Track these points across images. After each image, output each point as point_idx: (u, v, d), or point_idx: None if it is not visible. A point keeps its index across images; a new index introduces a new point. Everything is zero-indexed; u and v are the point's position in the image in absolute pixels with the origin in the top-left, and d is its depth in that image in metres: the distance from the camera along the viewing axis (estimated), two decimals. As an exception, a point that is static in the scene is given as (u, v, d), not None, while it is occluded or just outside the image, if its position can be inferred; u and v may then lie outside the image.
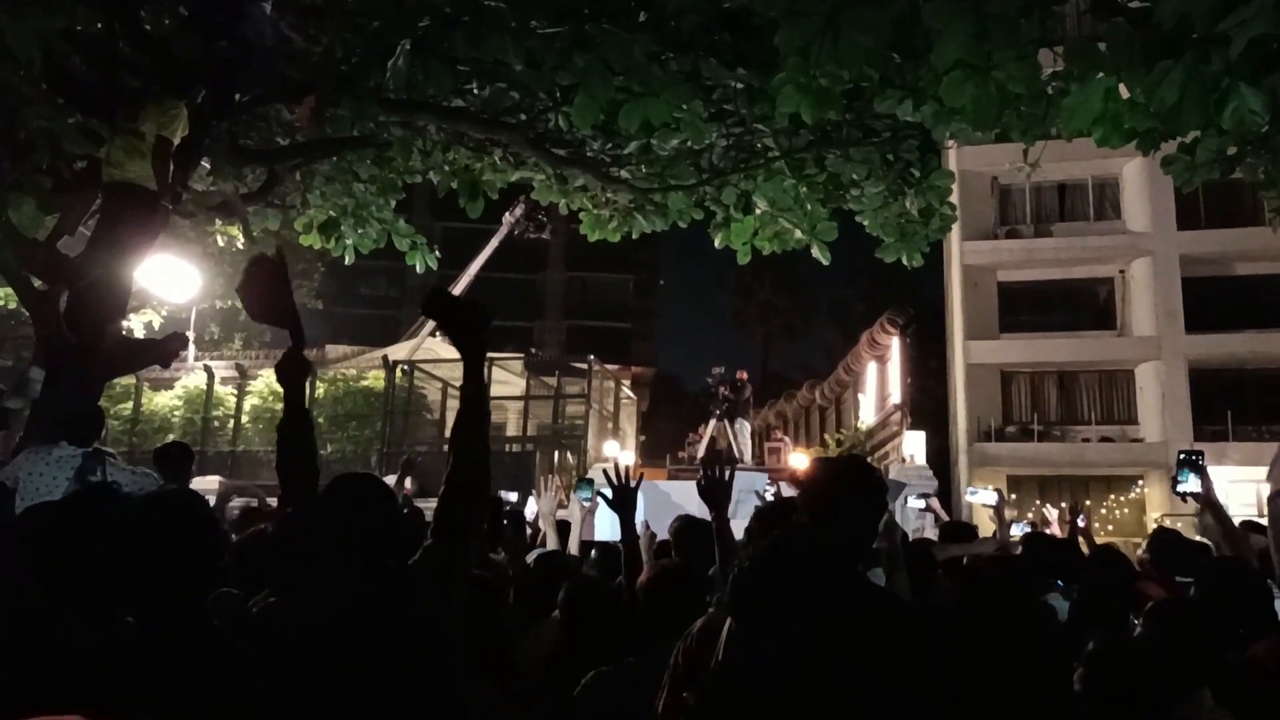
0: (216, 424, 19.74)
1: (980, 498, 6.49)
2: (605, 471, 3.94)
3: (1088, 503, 21.82)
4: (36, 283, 5.93)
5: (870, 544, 2.46)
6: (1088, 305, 25.94)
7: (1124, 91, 4.85)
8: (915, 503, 5.78)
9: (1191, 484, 4.39)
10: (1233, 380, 23.66)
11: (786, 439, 24.05)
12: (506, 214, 21.44)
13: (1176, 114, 4.28)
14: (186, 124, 6.03)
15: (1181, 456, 4.52)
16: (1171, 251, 24.00)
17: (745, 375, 19.57)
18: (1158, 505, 22.02)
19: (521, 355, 27.17)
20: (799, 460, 17.51)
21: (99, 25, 6.94)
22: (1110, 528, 21.17)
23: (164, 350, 6.52)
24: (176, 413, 19.71)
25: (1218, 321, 23.24)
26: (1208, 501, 4.35)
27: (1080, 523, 6.30)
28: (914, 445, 16.94)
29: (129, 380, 18.40)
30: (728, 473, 3.56)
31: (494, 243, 24.86)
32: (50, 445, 4.80)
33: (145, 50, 6.72)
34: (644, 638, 2.99)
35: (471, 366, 2.74)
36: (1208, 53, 4.26)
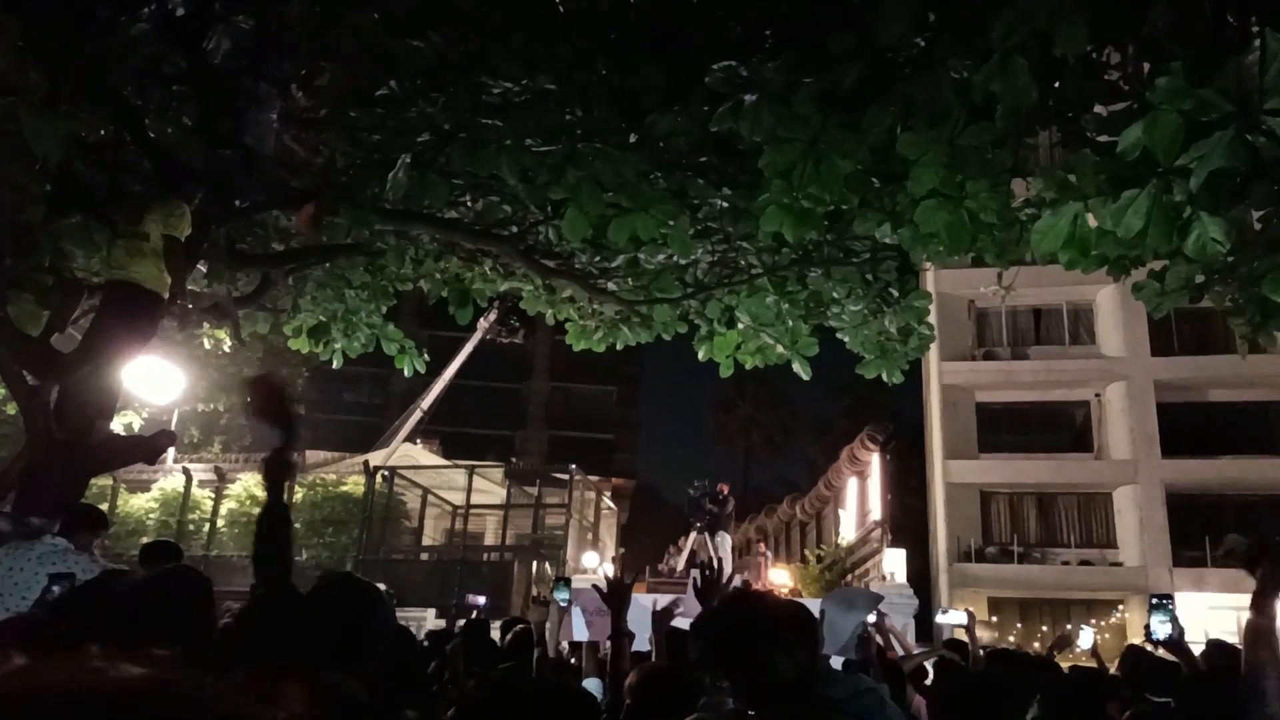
0: (192, 527, 19.50)
1: (950, 618, 6.62)
2: (604, 574, 4.02)
3: (1099, 622, 21.60)
4: (29, 378, 5.98)
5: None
6: (1065, 427, 26.23)
7: (1093, 220, 5.09)
8: (870, 618, 5.83)
9: (1161, 630, 4.41)
10: (1210, 506, 23.78)
11: (768, 553, 23.88)
12: (481, 319, 21.74)
13: (1142, 241, 4.49)
14: (190, 224, 6.19)
15: (1154, 601, 4.52)
16: (1146, 377, 24.43)
17: (727, 489, 19.53)
18: (1138, 630, 21.83)
19: (502, 464, 27.09)
20: (779, 575, 17.38)
21: (104, 130, 7.18)
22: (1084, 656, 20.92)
23: (151, 447, 6.55)
24: (152, 515, 19.48)
25: (1194, 447, 23.49)
26: (1178, 646, 4.39)
27: (1084, 644, 6.42)
28: (894, 563, 16.87)
29: (105, 481, 18.22)
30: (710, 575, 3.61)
31: (469, 347, 25.11)
32: (33, 541, 4.78)
33: (149, 155, 6.93)
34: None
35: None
36: (1170, 183, 4.50)
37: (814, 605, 3.22)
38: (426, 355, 10.44)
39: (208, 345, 13.71)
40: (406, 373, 10.31)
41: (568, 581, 5.52)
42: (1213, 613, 21.81)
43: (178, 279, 5.88)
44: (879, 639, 7.07)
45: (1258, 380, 23.26)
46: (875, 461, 20.84)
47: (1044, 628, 23.09)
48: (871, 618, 6.23)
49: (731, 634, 2.50)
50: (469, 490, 21.55)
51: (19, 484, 6.05)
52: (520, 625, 6.10)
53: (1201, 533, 23.09)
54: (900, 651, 6.68)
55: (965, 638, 6.20)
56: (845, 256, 8.07)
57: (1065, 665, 6.12)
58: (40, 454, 5.84)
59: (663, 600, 4.82)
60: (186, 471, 20.11)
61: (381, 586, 8.08)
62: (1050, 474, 25.21)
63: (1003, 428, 25.84)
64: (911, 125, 4.98)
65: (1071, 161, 5.38)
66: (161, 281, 5.92)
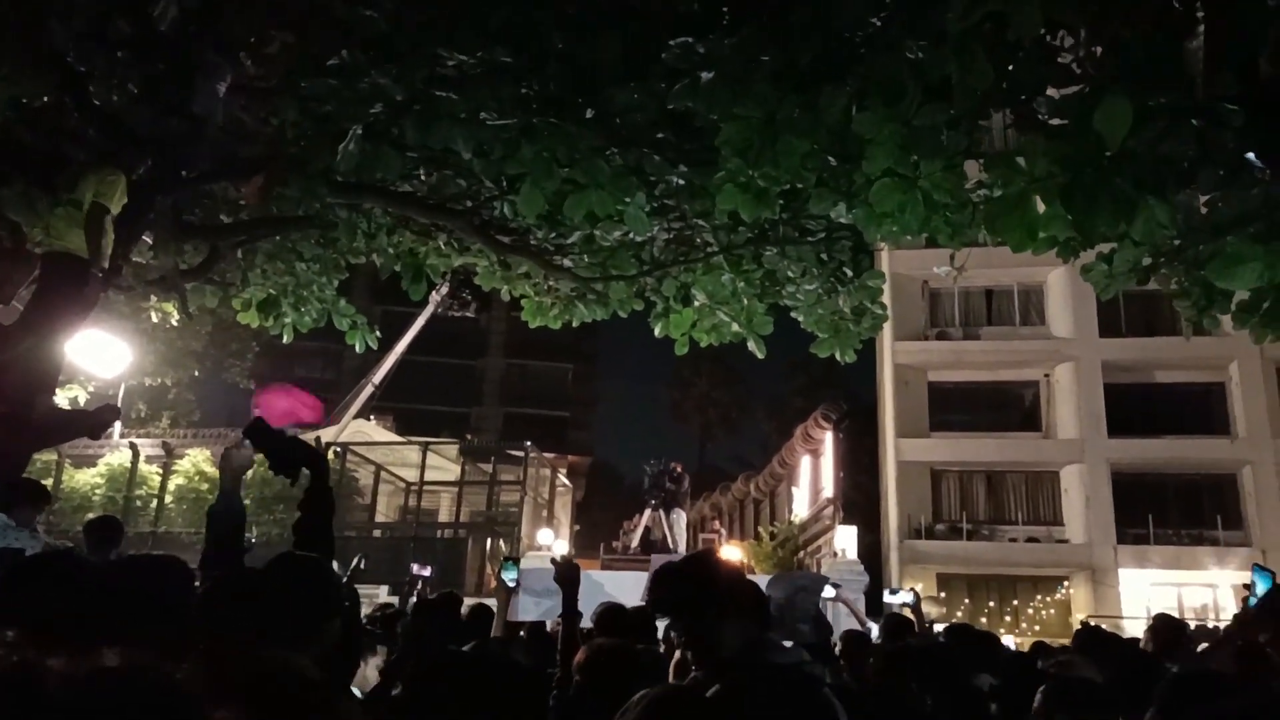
0: (139, 503, 19.19)
1: (899, 598, 6.79)
2: (554, 554, 4.04)
3: (1045, 598, 22.11)
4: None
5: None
6: (1014, 407, 26.64)
7: (1042, 203, 5.14)
8: (826, 592, 5.93)
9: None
10: (1154, 484, 24.33)
11: (722, 530, 24.06)
12: (433, 293, 21.59)
13: (1090, 224, 4.55)
14: (125, 193, 6.03)
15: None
16: (1094, 357, 24.87)
17: (680, 467, 19.62)
18: (1083, 606, 22.35)
19: (457, 441, 26.97)
20: (731, 553, 17.50)
21: (46, 96, 6.98)
22: (1036, 628, 21.37)
23: (95, 421, 6.41)
24: (98, 491, 19.14)
25: (1139, 427, 24.00)
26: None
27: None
28: (846, 540, 17.06)
29: (50, 456, 17.87)
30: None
31: (420, 321, 24.88)
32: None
33: (94, 122, 6.75)
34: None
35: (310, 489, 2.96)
36: (1119, 167, 4.55)
37: (764, 583, 3.24)
38: (378, 331, 10.33)
39: (155, 319, 13.45)
40: (358, 348, 10.20)
41: (516, 562, 5.53)
42: (1155, 589, 22.39)
43: (94, 248, 5.72)
44: (850, 606, 7.20)
45: (1201, 362, 23.79)
46: (828, 440, 21.04)
47: (991, 603, 23.54)
48: (830, 593, 6.33)
49: (687, 594, 2.54)
50: (423, 467, 21.43)
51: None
52: (478, 604, 6.08)
53: (1145, 510, 23.65)
54: (858, 625, 6.80)
55: (911, 616, 6.30)
56: (801, 236, 8.10)
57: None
58: (-21, 428, 5.70)
59: (620, 576, 4.85)
60: (133, 446, 19.78)
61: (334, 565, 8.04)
62: (999, 453, 25.63)
63: (954, 407, 26.20)
64: (868, 105, 4.99)
65: (1022, 144, 5.43)
66: (101, 251, 5.78)
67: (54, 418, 6.26)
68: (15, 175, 6.29)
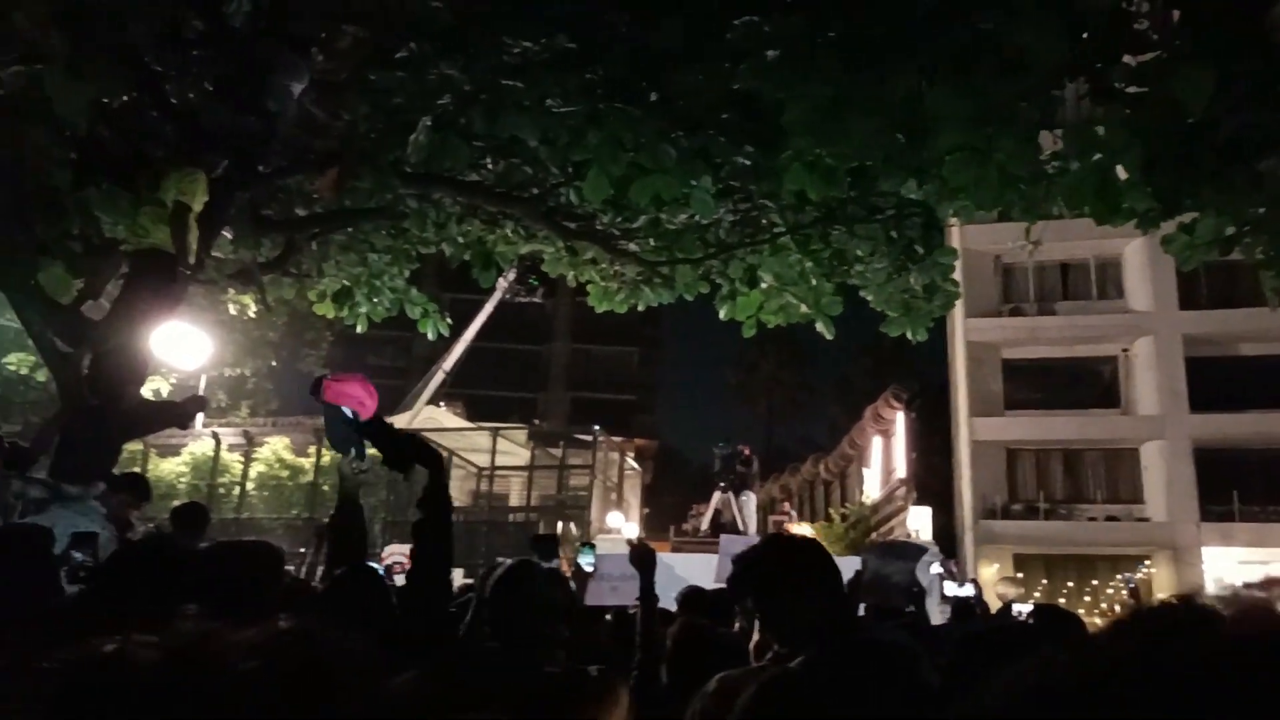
0: (222, 490, 19.75)
1: (964, 590, 6.75)
2: (628, 541, 4.09)
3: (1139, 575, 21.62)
4: (61, 345, 6.05)
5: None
6: (1092, 383, 26.01)
7: (1122, 172, 5.02)
8: (934, 568, 5.89)
9: None
10: (1238, 461, 23.59)
11: (792, 512, 23.96)
12: (500, 279, 21.80)
13: (1172, 194, 4.43)
14: (206, 191, 6.20)
15: None
16: (1174, 331, 24.16)
17: (749, 450, 19.57)
18: (1165, 585, 21.82)
19: (526, 426, 27.24)
20: (802, 533, 17.42)
21: (126, 96, 7.19)
22: (1117, 608, 20.92)
23: (182, 412, 6.63)
24: (182, 479, 19.74)
25: (1222, 402, 23.26)
26: None
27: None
28: (919, 521, 16.89)
29: (136, 446, 18.46)
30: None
31: (488, 308, 25.10)
32: (69, 503, 4.86)
33: (172, 121, 6.95)
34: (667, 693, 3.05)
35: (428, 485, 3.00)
36: (1201, 136, 4.43)
37: (843, 564, 3.23)
38: (449, 318, 10.48)
39: (233, 311, 13.81)
40: (430, 335, 10.36)
41: (592, 546, 5.57)
42: (1241, 567, 21.75)
43: (180, 245, 5.90)
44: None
45: (1288, 334, 22.99)
46: (899, 420, 20.82)
47: (1069, 584, 23.10)
48: (936, 569, 6.31)
49: (770, 571, 2.55)
50: (493, 452, 21.70)
51: (55, 450, 6.14)
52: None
53: (1229, 487, 22.96)
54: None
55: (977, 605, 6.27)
56: (869, 214, 8.00)
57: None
58: (74, 420, 5.93)
59: (690, 559, 4.90)
60: (215, 436, 20.36)
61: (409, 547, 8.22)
62: (1077, 430, 25.06)
63: (1029, 385, 25.66)
64: (938, 80, 4.91)
65: (1099, 114, 5.30)
66: (186, 248, 5.96)
67: (143, 409, 6.49)
68: (99, 174, 6.50)
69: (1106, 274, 26.06)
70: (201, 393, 22.33)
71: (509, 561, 3.05)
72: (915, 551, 4.99)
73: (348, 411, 3.49)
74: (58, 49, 4.88)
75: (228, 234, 7.57)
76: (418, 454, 3.07)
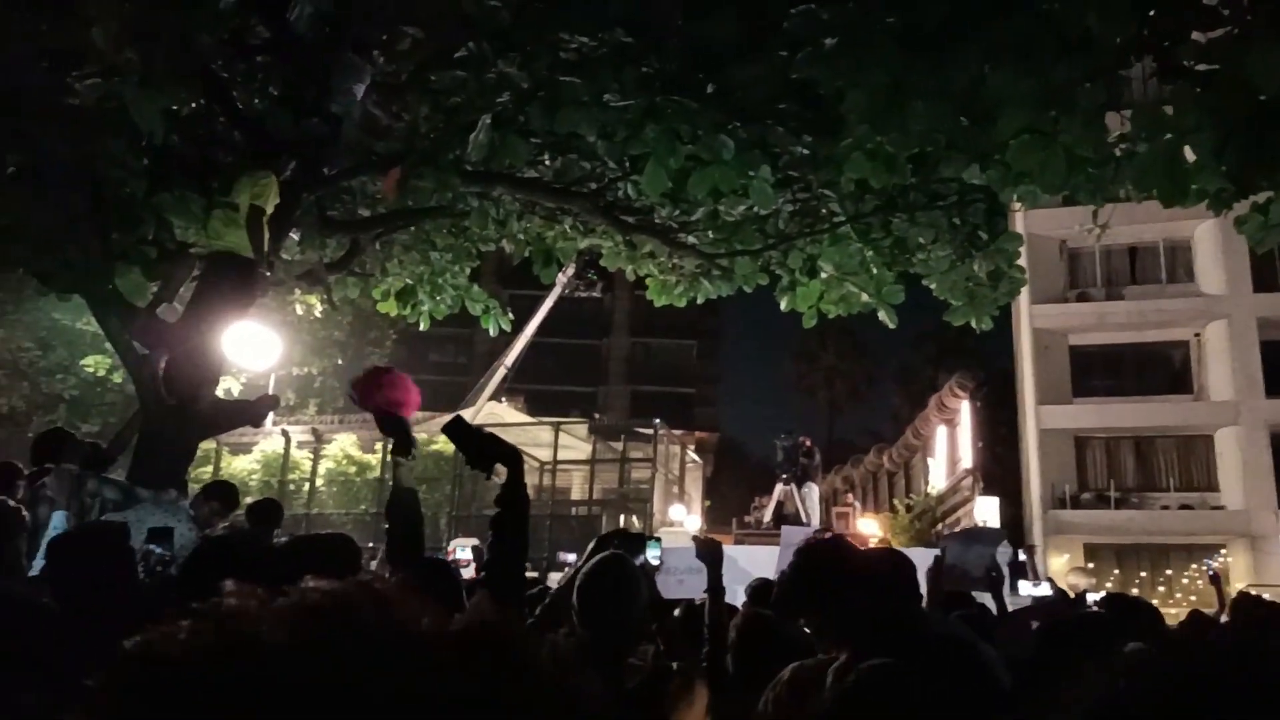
0: (292, 487, 20.19)
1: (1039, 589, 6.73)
2: (694, 536, 4.12)
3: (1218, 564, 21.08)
4: (139, 348, 6.25)
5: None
6: (1163, 369, 25.38)
7: (1190, 153, 4.90)
8: (1003, 554, 5.85)
9: None
10: (1318, 446, 22.89)
11: (855, 503, 23.79)
12: (560, 274, 21.96)
13: (1246, 174, 4.32)
14: (277, 193, 6.35)
15: None
16: (1248, 314, 23.46)
17: (810, 441, 19.49)
18: (1242, 575, 21.23)
19: (587, 420, 27.38)
20: (867, 525, 17.32)
21: (194, 104, 7.39)
22: (1192, 598, 20.44)
23: (256, 411, 6.80)
24: (254, 476, 20.22)
25: (1300, 385, 22.58)
26: None
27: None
28: (986, 512, 16.67)
29: (209, 445, 18.95)
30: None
31: (548, 303, 25.25)
32: (162, 503, 5.02)
33: (239, 127, 7.12)
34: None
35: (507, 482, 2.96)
36: (1275, 114, 4.31)
37: (913, 555, 3.22)
38: (510, 314, 10.59)
39: (300, 311, 14.11)
40: (492, 332, 10.48)
41: (657, 539, 5.59)
42: (1321, 557, 21.10)
43: (257, 247, 6.05)
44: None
45: (1369, 315, 22.21)
46: (965, 409, 20.55)
47: (1142, 574, 22.61)
48: (1005, 553, 6.26)
49: (823, 574, 2.56)
50: (555, 446, 21.86)
51: (134, 450, 6.35)
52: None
53: (1309, 474, 22.27)
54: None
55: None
56: (931, 201, 7.91)
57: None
58: (153, 420, 6.12)
59: (754, 551, 4.93)
60: (285, 434, 20.80)
61: (475, 541, 8.29)
62: (1148, 417, 24.47)
63: (1098, 371, 25.12)
64: (1001, 63, 4.84)
65: (1169, 93, 5.18)
66: (260, 250, 6.11)
67: (219, 408, 6.67)
68: (171, 181, 6.69)
69: (1176, 257, 25.38)
70: (271, 392, 22.87)
71: (603, 554, 3.10)
72: (994, 536, 4.95)
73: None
74: (132, 62, 5.04)
75: (295, 235, 7.74)
76: (498, 452, 3.14)
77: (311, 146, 6.85)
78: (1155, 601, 7.76)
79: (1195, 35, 5.13)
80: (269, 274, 6.53)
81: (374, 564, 6.54)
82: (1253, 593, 5.79)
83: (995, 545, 4.79)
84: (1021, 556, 6.03)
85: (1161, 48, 5.28)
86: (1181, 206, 5.39)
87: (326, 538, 3.01)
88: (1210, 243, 23.85)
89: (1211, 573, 6.37)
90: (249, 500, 13.19)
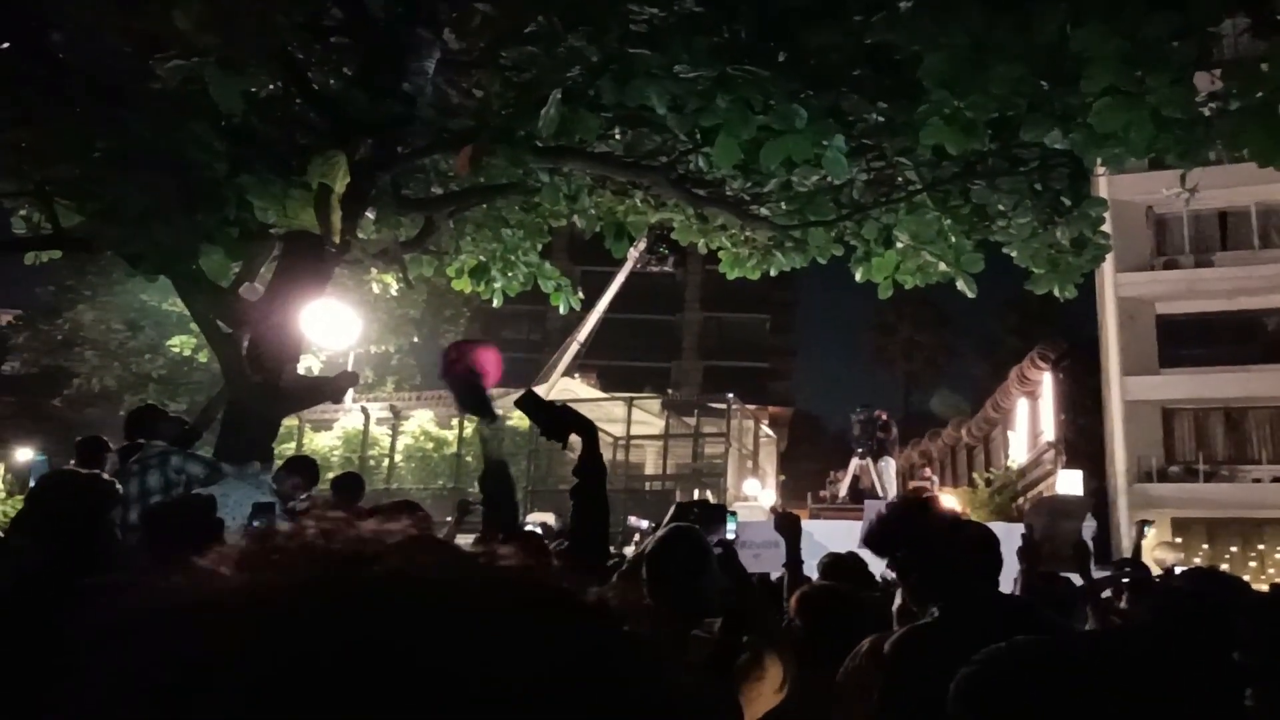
0: (372, 462, 20.63)
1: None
2: (772, 508, 4.10)
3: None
4: (223, 327, 6.42)
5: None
6: (1256, 338, 24.45)
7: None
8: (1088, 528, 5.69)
9: None
10: None
11: (934, 477, 23.45)
12: (631, 249, 21.95)
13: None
14: (347, 172, 6.44)
15: None
16: (1347, 279, 22.48)
17: (887, 415, 19.26)
18: (1341, 550, 20.49)
19: (659, 396, 27.43)
20: (946, 500, 17.06)
21: (272, 85, 7.53)
22: (1288, 574, 19.77)
23: (336, 387, 6.95)
24: (335, 452, 20.70)
25: (1403, 352, 21.57)
26: None
27: None
28: (1070, 485, 16.25)
29: (292, 421, 19.45)
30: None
31: (620, 278, 25.27)
32: (245, 476, 5.16)
33: (316, 108, 7.23)
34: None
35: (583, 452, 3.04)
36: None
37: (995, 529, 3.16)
38: (580, 292, 10.61)
39: (376, 289, 14.36)
40: (562, 309, 10.53)
41: (734, 513, 5.58)
42: None
43: (325, 226, 6.14)
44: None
45: None
46: (1047, 381, 20.09)
47: (1233, 548, 21.92)
48: (1090, 526, 6.09)
49: (918, 520, 2.55)
50: (628, 422, 21.96)
51: (221, 426, 6.54)
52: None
53: None
54: None
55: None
56: (1012, 166, 7.69)
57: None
58: (238, 397, 6.29)
59: (829, 526, 4.90)
60: (364, 410, 21.24)
61: (552, 516, 8.36)
62: (1240, 387, 23.62)
63: (1186, 341, 24.29)
64: (1085, 20, 4.67)
65: (1264, 49, 4.96)
66: (331, 228, 6.22)
67: (301, 385, 6.83)
68: (251, 162, 6.84)
69: (1270, 221, 24.36)
70: (350, 369, 23.36)
71: (675, 525, 3.11)
72: (1080, 507, 4.81)
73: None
74: (212, 45, 5.14)
75: (370, 215, 7.85)
76: (573, 423, 3.15)
77: (386, 126, 6.93)
78: (1247, 577, 7.53)
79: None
80: (340, 252, 6.63)
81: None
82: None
83: (1081, 518, 4.65)
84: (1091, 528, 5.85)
85: (1256, 2, 5.05)
86: (1275, 168, 5.15)
87: (396, 506, 3.07)
88: (1308, 205, 22.85)
89: None
90: (332, 475, 13.47)
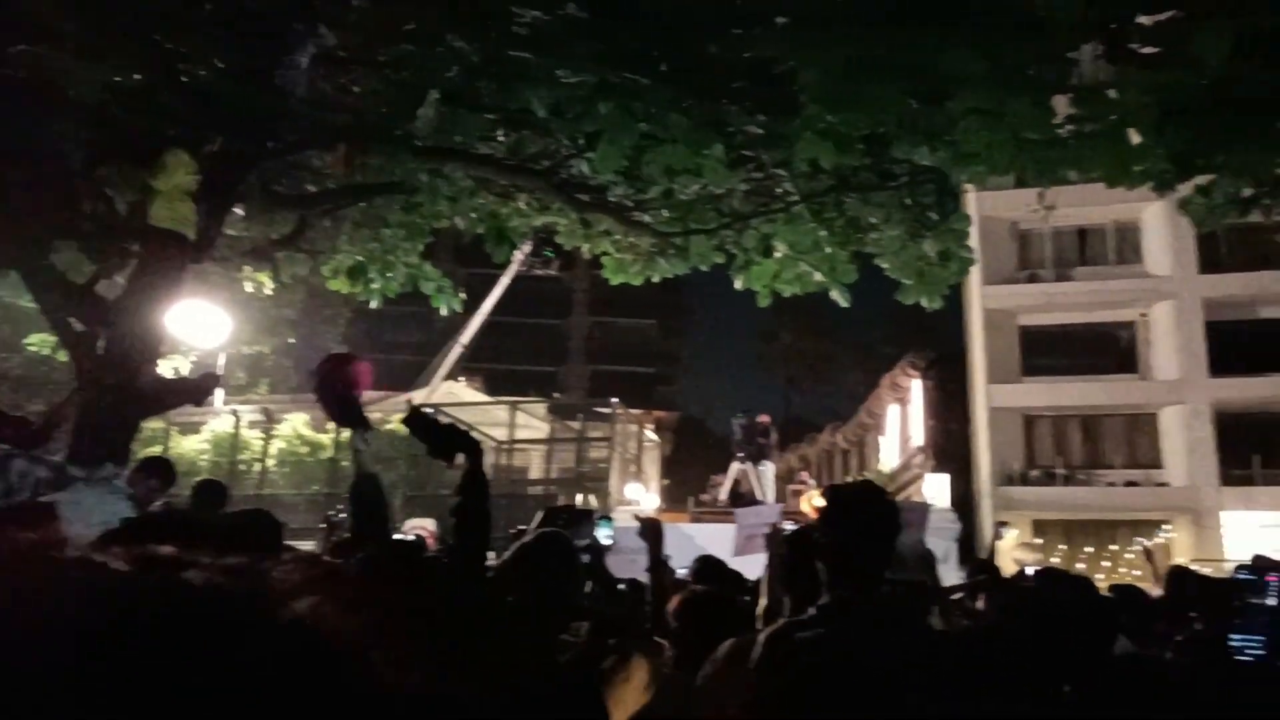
0: (243, 467, 19.93)
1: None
2: (636, 515, 4.14)
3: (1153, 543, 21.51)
4: (76, 325, 6.10)
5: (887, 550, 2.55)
6: (1110, 349, 25.84)
7: (1136, 136, 4.95)
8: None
9: None
10: (1260, 424, 23.43)
11: (810, 481, 23.99)
12: (517, 252, 21.77)
13: (1185, 155, 4.38)
14: (192, 169, 6.17)
15: None
16: (1194, 295, 23.93)
17: (768, 419, 19.58)
18: (1185, 550, 21.74)
19: (545, 400, 27.31)
20: (816, 501, 17.46)
21: (137, 75, 7.19)
22: (1136, 572, 20.90)
23: (198, 389, 6.67)
24: (204, 456, 19.92)
25: (1243, 365, 23.07)
26: None
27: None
28: (937, 488, 16.88)
29: (158, 424, 18.63)
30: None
31: (504, 282, 25.09)
32: (95, 481, 4.92)
33: (184, 100, 6.94)
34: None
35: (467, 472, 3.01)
36: (1216, 96, 4.36)
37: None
38: (463, 294, 10.47)
39: (249, 288, 13.87)
40: (443, 311, 10.37)
41: (609, 519, 5.60)
42: (1263, 531, 21.65)
43: (180, 223, 5.88)
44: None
45: (1310, 296, 22.75)
46: (916, 387, 20.77)
47: (1088, 549, 23.07)
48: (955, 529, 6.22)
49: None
50: (512, 426, 21.79)
51: (73, 429, 6.20)
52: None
53: (1250, 451, 22.82)
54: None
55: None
56: (883, 181, 7.94)
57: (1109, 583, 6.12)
58: (91, 399, 5.98)
59: (710, 529, 4.97)
60: (235, 413, 20.50)
61: (432, 523, 8.24)
62: (1095, 396, 24.92)
63: (1047, 350, 25.49)
64: (955, 43, 4.85)
65: (1114, 76, 5.23)
66: (187, 224, 5.97)
67: (160, 386, 6.53)
68: (113, 154, 6.52)
69: (1125, 238, 25.79)
70: (221, 370, 22.51)
71: (542, 530, 3.10)
72: (919, 517, 4.95)
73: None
74: (68, 30, 4.89)
75: (239, 211, 7.59)
76: (460, 443, 3.15)
77: (257, 120, 6.70)
78: (1101, 575, 7.91)
79: (1142, 18, 5.18)
80: (200, 249, 6.37)
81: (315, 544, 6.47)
82: (1186, 566, 5.96)
83: (922, 527, 4.79)
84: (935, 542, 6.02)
85: (1109, 30, 5.33)
86: (1124, 187, 5.45)
87: (246, 515, 3.00)
88: (1157, 224, 24.26)
89: (1144, 549, 6.58)
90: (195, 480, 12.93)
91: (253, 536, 2.77)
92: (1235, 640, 2.74)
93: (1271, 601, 3.91)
